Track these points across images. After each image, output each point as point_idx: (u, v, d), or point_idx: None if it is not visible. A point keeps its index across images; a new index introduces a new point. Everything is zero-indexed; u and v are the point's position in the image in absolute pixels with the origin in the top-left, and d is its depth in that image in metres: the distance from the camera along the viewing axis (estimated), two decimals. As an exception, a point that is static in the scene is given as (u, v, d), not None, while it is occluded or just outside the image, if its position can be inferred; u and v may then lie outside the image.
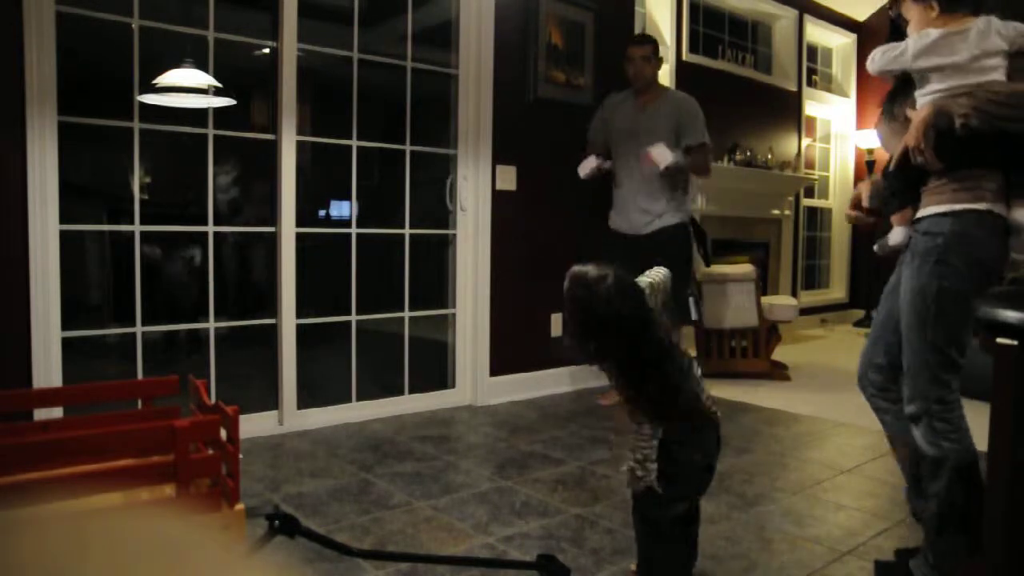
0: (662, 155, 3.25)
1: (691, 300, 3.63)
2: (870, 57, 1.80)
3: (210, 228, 2.94)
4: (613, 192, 3.63)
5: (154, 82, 2.99)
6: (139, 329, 2.72)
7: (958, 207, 1.61)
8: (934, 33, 1.67)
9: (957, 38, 1.64)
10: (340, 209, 4.65)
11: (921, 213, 1.69)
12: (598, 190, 3.88)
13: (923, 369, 1.67)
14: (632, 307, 1.41)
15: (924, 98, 1.70)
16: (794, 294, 6.16)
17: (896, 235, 1.83)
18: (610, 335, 1.42)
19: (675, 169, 3.31)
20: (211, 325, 2.90)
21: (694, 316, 3.75)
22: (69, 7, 2.49)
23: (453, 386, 3.57)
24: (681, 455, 1.50)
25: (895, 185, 1.80)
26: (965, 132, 1.56)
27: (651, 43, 3.54)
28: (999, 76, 1.62)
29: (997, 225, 1.61)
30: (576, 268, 1.46)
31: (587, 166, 3.53)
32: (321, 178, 4.58)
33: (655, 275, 1.56)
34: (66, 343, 2.53)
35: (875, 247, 1.95)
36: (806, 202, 6.46)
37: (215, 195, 3.01)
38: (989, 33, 1.62)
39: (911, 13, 1.75)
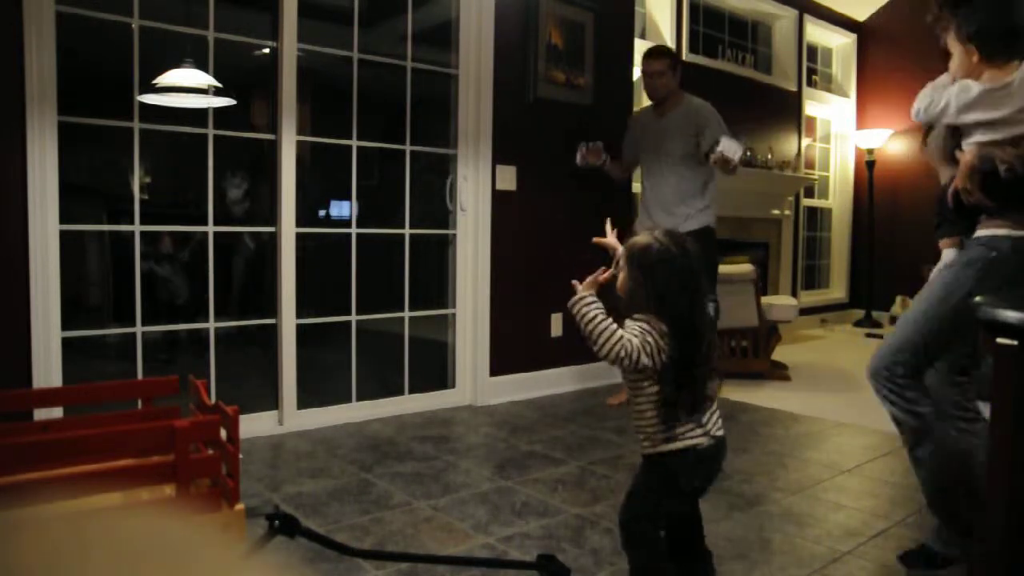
0: (732, 148, 3.16)
1: (712, 306, 3.62)
2: (914, 107, 1.82)
3: (210, 228, 2.94)
4: (640, 199, 3.65)
5: (154, 82, 2.99)
6: (139, 329, 2.72)
7: (1018, 232, 1.67)
8: (975, 89, 1.67)
9: (1000, 93, 1.64)
10: (340, 209, 4.65)
11: (983, 232, 1.73)
12: (598, 190, 3.89)
13: (903, 343, 1.76)
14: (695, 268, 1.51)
15: (969, 146, 1.74)
16: (794, 294, 6.16)
17: (948, 256, 1.89)
18: (679, 288, 1.48)
19: (743, 160, 3.25)
20: (211, 325, 2.90)
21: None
22: (69, 7, 2.49)
23: (453, 386, 3.57)
24: (683, 483, 1.52)
25: (948, 215, 1.85)
26: (1010, 177, 1.61)
27: (667, 57, 3.44)
28: None
29: None
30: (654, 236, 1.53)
31: (587, 156, 3.52)
32: (321, 178, 4.58)
33: None
34: (66, 343, 2.53)
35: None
36: (806, 202, 6.46)
37: (215, 195, 3.01)
38: None
39: (953, 49, 1.74)
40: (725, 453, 1.57)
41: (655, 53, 3.50)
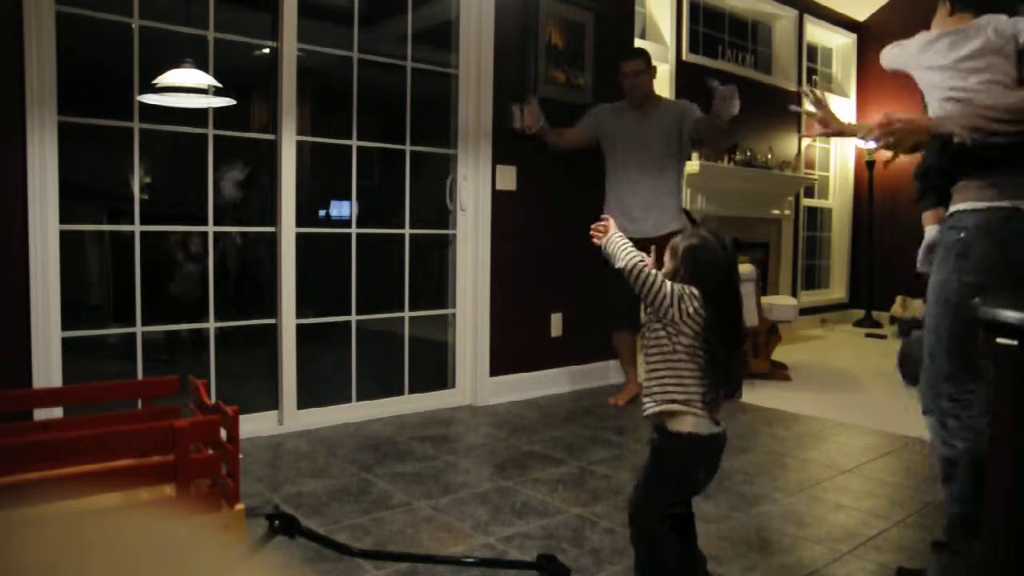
0: (728, 88, 3.11)
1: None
2: (882, 54, 1.82)
3: (210, 228, 2.94)
4: (607, 197, 3.61)
5: (154, 82, 2.99)
6: (139, 329, 2.72)
7: (982, 204, 1.61)
8: (933, 32, 1.68)
9: (957, 35, 1.64)
10: (340, 209, 4.66)
11: (951, 209, 1.69)
12: (598, 190, 3.89)
13: (939, 363, 1.65)
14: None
15: (932, 101, 1.71)
16: (794, 294, 6.16)
17: (929, 233, 1.86)
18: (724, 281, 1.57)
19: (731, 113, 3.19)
20: (211, 325, 2.90)
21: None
22: (69, 7, 2.49)
23: (453, 386, 3.57)
24: (689, 470, 1.55)
25: (923, 186, 1.83)
26: (973, 145, 1.57)
27: (641, 56, 3.54)
28: (987, 76, 1.59)
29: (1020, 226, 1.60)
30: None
31: (525, 119, 3.47)
32: (321, 178, 4.58)
33: None
34: (66, 343, 2.53)
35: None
36: (806, 202, 6.46)
37: (215, 195, 3.01)
38: (983, 32, 1.61)
39: (937, 14, 1.76)
40: (723, 448, 1.58)
41: (631, 53, 3.61)
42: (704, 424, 1.52)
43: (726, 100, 3.11)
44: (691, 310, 1.51)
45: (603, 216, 1.72)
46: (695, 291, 1.53)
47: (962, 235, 1.62)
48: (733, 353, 1.53)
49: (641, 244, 1.72)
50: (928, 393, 1.69)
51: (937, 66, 1.66)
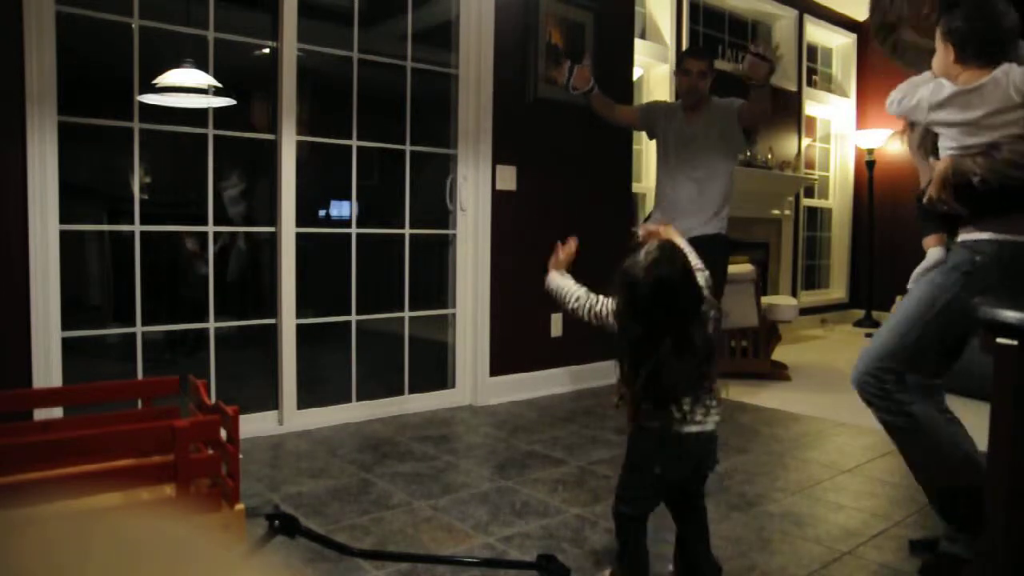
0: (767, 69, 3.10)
1: (713, 314, 3.58)
2: (889, 99, 1.81)
3: (210, 228, 2.94)
4: (656, 199, 3.56)
5: (154, 82, 2.99)
6: (139, 329, 2.72)
7: (1001, 236, 1.67)
8: (947, 88, 1.67)
9: (972, 95, 1.63)
10: (340, 209, 4.66)
11: (967, 236, 1.74)
12: (598, 190, 3.89)
13: (889, 348, 1.79)
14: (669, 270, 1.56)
15: (943, 149, 1.73)
16: (794, 294, 6.16)
17: (933, 255, 1.87)
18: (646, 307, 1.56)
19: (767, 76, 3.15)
20: (211, 325, 2.90)
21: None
22: (69, 7, 2.49)
23: (453, 386, 3.57)
24: (635, 461, 1.61)
25: (928, 215, 1.85)
26: (983, 188, 1.62)
27: (708, 56, 3.42)
28: (1017, 130, 1.61)
29: None
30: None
31: (576, 80, 3.39)
32: (321, 178, 4.58)
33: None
34: (66, 343, 2.53)
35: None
36: (806, 202, 6.46)
37: (215, 195, 3.01)
38: (1005, 86, 1.61)
39: (938, 47, 1.73)
40: (706, 447, 1.58)
41: (699, 52, 3.46)
42: (673, 423, 1.54)
43: (754, 65, 3.10)
44: (613, 323, 1.63)
45: (563, 242, 1.86)
46: (610, 306, 1.63)
47: (978, 258, 1.69)
48: (663, 367, 1.50)
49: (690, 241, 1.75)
50: (871, 368, 1.81)
51: (954, 122, 1.68)
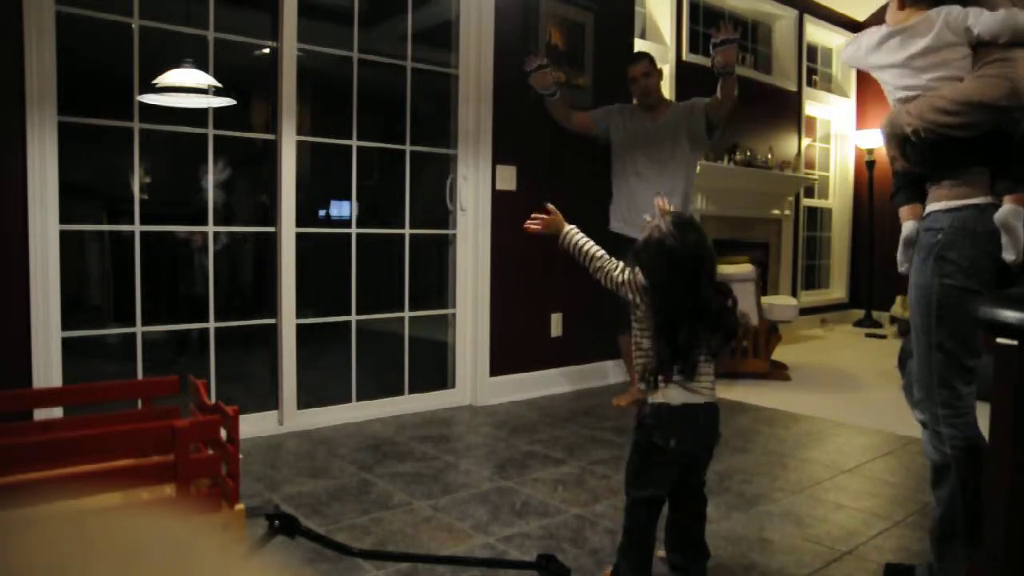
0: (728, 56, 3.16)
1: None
2: (842, 51, 1.79)
3: (210, 228, 2.94)
4: (614, 195, 3.61)
5: (154, 82, 2.99)
6: (139, 329, 2.72)
7: (956, 203, 1.56)
8: (883, 30, 1.62)
9: (904, 34, 1.58)
10: (340, 209, 4.65)
11: (927, 210, 1.64)
12: (598, 190, 3.88)
13: (929, 371, 1.61)
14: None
15: (889, 99, 1.68)
16: (794, 294, 6.16)
17: (906, 228, 1.77)
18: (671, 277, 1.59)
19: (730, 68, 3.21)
20: (211, 325, 2.90)
21: None
22: (69, 7, 2.49)
23: (453, 386, 3.57)
24: (648, 439, 1.60)
25: (898, 182, 1.79)
26: (918, 140, 1.53)
27: (645, 57, 3.54)
28: (941, 73, 1.54)
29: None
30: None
31: (537, 79, 3.42)
32: (321, 178, 4.58)
33: None
34: (66, 343, 2.53)
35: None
36: (806, 202, 6.46)
37: (215, 195, 3.01)
38: (937, 24, 1.54)
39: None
40: (712, 419, 1.62)
41: (634, 57, 3.60)
42: (677, 394, 1.58)
43: (724, 52, 3.17)
44: (637, 293, 1.62)
45: (546, 204, 1.82)
46: (639, 276, 1.62)
47: (939, 236, 1.57)
48: (687, 332, 1.56)
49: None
50: (921, 397, 1.65)
51: (888, 64, 1.62)
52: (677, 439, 1.58)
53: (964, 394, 1.59)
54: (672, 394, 1.58)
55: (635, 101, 3.61)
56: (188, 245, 4.36)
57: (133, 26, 2.65)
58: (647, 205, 3.43)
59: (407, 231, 3.44)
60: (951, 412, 1.59)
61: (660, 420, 1.59)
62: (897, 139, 1.61)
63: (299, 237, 3.05)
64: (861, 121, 6.75)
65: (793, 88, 6.05)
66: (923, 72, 1.56)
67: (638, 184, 3.50)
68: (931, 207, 1.62)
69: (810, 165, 6.59)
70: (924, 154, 1.58)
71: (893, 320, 6.28)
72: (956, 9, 1.54)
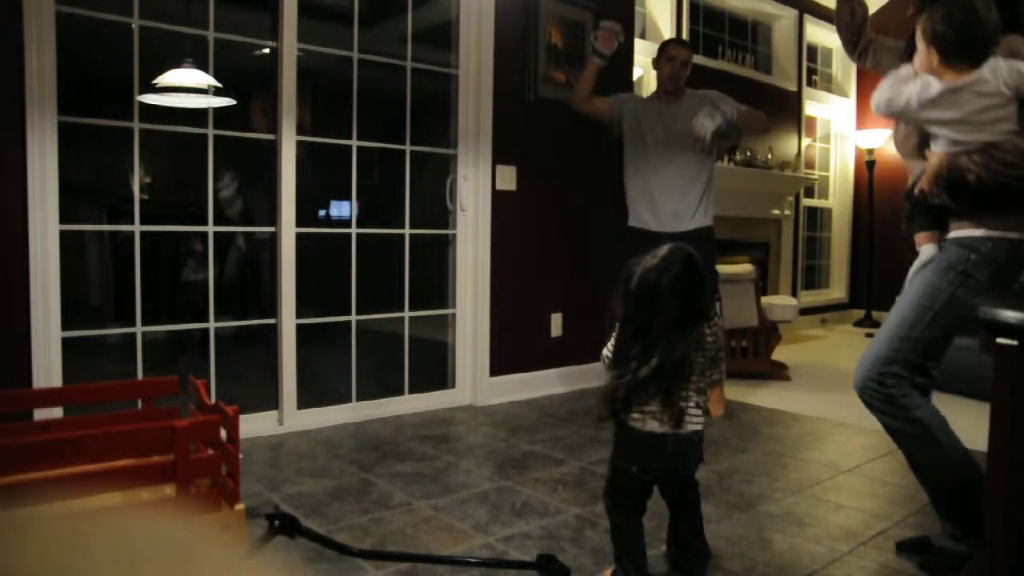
0: (702, 125, 3.12)
1: (718, 307, 3.57)
2: (875, 99, 1.79)
3: (210, 228, 2.94)
4: (630, 189, 3.49)
5: (154, 82, 2.99)
6: (139, 329, 2.72)
7: (996, 233, 1.69)
8: (935, 87, 1.67)
9: (962, 92, 1.64)
10: (340, 209, 4.65)
11: (960, 233, 1.74)
12: (598, 190, 3.88)
13: (890, 353, 1.78)
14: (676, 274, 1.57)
15: (936, 147, 1.74)
16: (794, 294, 6.16)
17: (927, 251, 1.86)
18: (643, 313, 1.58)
19: (723, 132, 3.18)
20: (211, 325, 2.90)
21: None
22: (69, 7, 2.49)
23: (453, 386, 3.57)
24: (616, 458, 1.66)
25: (916, 209, 1.85)
26: (976, 184, 1.63)
27: (690, 48, 3.47)
28: (1009, 126, 1.62)
29: (1021, 255, 1.71)
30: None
31: (601, 39, 3.35)
32: (321, 178, 4.58)
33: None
34: (66, 343, 2.53)
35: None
36: (806, 202, 6.46)
37: (215, 195, 3.01)
38: (991, 82, 1.62)
39: (920, 45, 1.73)
40: (682, 450, 1.59)
41: (682, 42, 3.50)
42: (648, 423, 1.58)
43: (697, 138, 3.15)
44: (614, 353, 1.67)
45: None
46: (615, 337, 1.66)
47: (972, 256, 1.70)
48: (657, 359, 1.53)
49: (657, 238, 1.74)
50: (872, 374, 1.81)
51: (948, 120, 1.68)
52: (639, 466, 1.60)
53: (902, 379, 1.79)
54: (643, 422, 1.58)
55: (655, 86, 3.51)
56: (191, 253, 4.36)
57: (133, 26, 2.65)
58: (659, 200, 3.42)
59: (407, 231, 3.44)
60: (900, 383, 1.78)
61: (623, 444, 1.63)
62: (944, 181, 1.70)
63: (299, 237, 3.05)
64: (861, 121, 6.75)
65: (793, 88, 6.05)
66: (983, 128, 1.64)
67: (652, 177, 3.38)
68: (967, 232, 1.73)
69: (810, 165, 6.59)
70: (971, 195, 1.68)
71: (893, 320, 6.27)
72: (1003, 64, 1.62)
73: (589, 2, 3.89)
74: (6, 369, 2.39)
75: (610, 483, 1.69)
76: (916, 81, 1.70)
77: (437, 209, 3.58)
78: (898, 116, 1.81)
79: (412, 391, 3.43)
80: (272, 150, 3.01)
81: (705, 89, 3.46)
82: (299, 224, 3.05)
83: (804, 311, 6.04)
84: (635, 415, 1.58)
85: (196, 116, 3.07)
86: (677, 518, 1.73)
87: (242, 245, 4.59)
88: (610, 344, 1.68)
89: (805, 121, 6.25)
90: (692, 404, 1.59)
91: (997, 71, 1.61)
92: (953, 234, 1.76)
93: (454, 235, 3.56)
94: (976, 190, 1.64)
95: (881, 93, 1.77)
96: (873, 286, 6.52)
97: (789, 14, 5.98)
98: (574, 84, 3.55)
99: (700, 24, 5.36)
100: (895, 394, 1.78)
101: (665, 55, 3.40)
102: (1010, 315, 1.25)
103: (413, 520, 2.10)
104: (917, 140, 1.85)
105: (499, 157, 3.58)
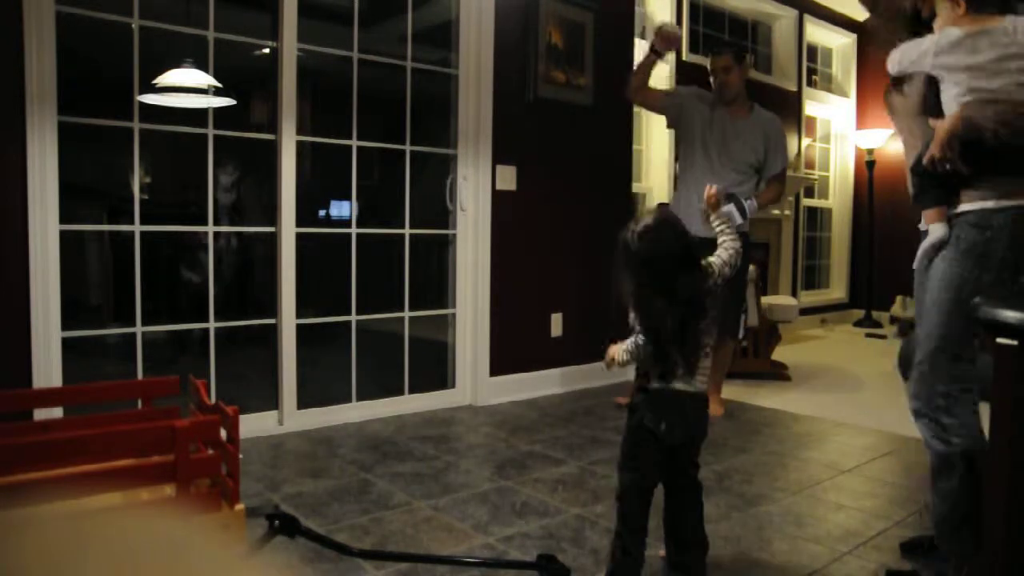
0: (731, 215, 2.98)
1: (743, 316, 3.56)
2: (890, 57, 1.77)
3: (210, 228, 2.94)
4: (677, 191, 3.51)
5: (154, 82, 2.99)
6: (139, 329, 2.72)
7: (1006, 203, 1.61)
8: (956, 32, 1.65)
9: (982, 38, 1.62)
10: (340, 209, 4.65)
11: (969, 206, 1.66)
12: (598, 190, 3.89)
13: (936, 361, 1.67)
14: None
15: (949, 100, 1.68)
16: (794, 294, 6.16)
17: (937, 231, 1.74)
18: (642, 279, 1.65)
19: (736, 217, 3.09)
20: (211, 325, 2.90)
21: (740, 334, 3.67)
22: (69, 7, 2.49)
23: (453, 386, 3.57)
24: (641, 420, 1.66)
25: (924, 184, 1.77)
26: (996, 143, 1.56)
27: (730, 51, 3.38)
28: (1019, 79, 1.60)
29: None
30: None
31: (662, 42, 3.26)
32: (321, 178, 4.58)
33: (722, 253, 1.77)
34: (66, 343, 2.53)
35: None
36: (806, 202, 6.46)
37: (216, 195, 3.01)
38: (1010, 35, 1.60)
39: (939, 8, 1.72)
40: (699, 409, 1.67)
41: (719, 49, 3.43)
42: (675, 382, 1.63)
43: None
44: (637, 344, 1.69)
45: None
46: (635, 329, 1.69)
47: (988, 234, 1.62)
48: (673, 327, 1.60)
49: (694, 242, 1.74)
50: (923, 392, 1.70)
51: (965, 66, 1.64)
52: (667, 423, 1.63)
53: (964, 384, 1.66)
54: (665, 380, 1.65)
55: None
56: (193, 250, 4.36)
57: (133, 26, 2.65)
58: (699, 202, 3.35)
59: (407, 231, 3.44)
60: (954, 403, 1.65)
61: (652, 404, 1.65)
62: (959, 139, 1.61)
63: (299, 237, 3.05)
64: (861, 121, 6.75)
65: (793, 88, 6.05)
66: (999, 76, 1.60)
67: (695, 180, 3.30)
68: (978, 204, 1.65)
69: (810, 165, 6.59)
70: (988, 156, 1.61)
71: (893, 320, 6.28)
72: (1022, 20, 1.60)
73: (589, 2, 3.89)
74: (6, 369, 2.39)
75: (628, 453, 1.69)
76: (934, 36, 1.69)
77: (437, 209, 3.58)
78: (911, 69, 1.75)
79: (412, 391, 3.43)
80: (272, 150, 3.01)
81: (771, 117, 3.42)
82: (299, 224, 3.05)
83: (804, 311, 6.04)
84: (661, 375, 1.64)
85: (196, 116, 3.07)
86: (678, 504, 1.73)
87: (234, 243, 4.58)
88: (634, 337, 1.68)
89: (805, 121, 6.25)
90: (704, 353, 1.67)
91: (1018, 25, 1.60)
92: (963, 207, 1.67)
93: (454, 235, 3.56)
94: (989, 150, 1.57)
95: (896, 52, 1.76)
96: (873, 286, 6.52)
97: (789, 14, 5.98)
98: (630, 80, 3.47)
99: (700, 24, 5.36)
100: (942, 411, 1.67)
101: (710, 69, 3.40)
102: (1010, 315, 1.25)
103: (413, 520, 2.10)
104: (932, 99, 1.75)
105: (499, 157, 3.58)
